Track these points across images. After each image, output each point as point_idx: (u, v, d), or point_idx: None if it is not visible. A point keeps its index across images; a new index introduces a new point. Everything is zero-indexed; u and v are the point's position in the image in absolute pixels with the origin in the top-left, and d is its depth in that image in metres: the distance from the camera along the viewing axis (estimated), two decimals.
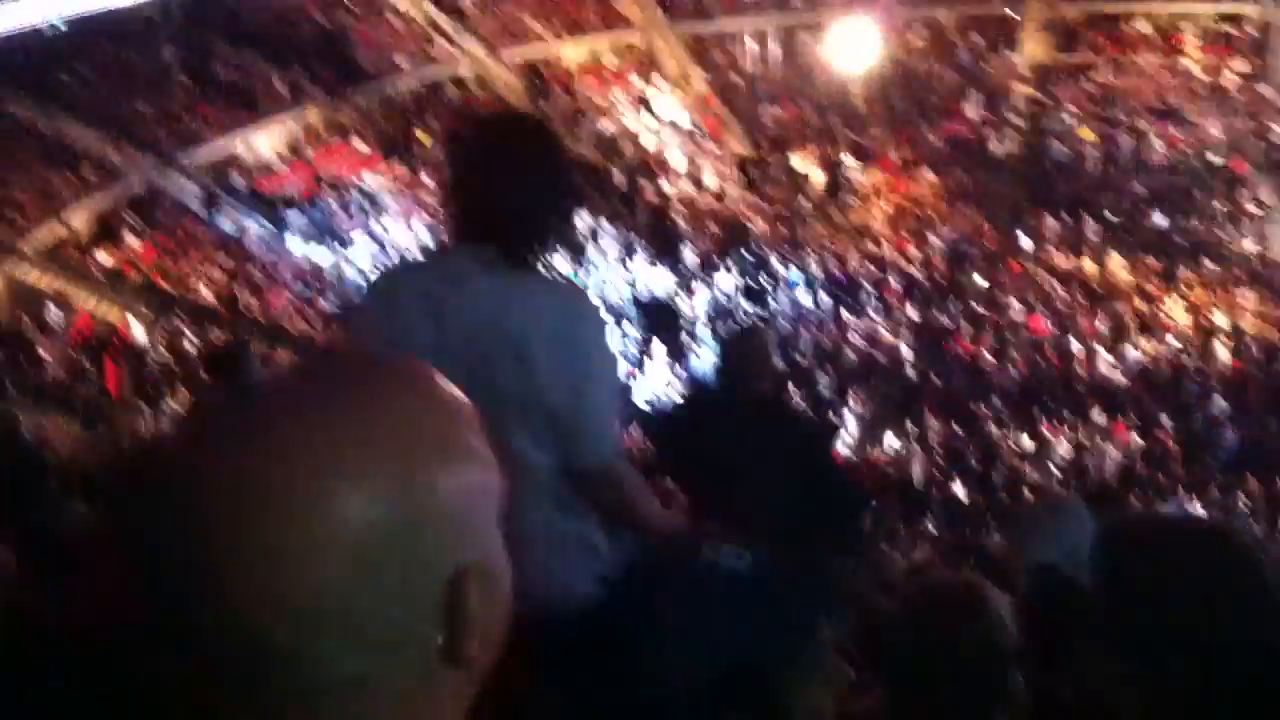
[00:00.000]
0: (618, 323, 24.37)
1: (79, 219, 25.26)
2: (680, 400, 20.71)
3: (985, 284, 26.38)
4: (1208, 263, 26.11)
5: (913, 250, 27.89)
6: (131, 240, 25.29)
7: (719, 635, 1.34)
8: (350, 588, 0.82)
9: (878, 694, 2.40)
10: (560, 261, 26.01)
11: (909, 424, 21.02)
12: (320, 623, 0.82)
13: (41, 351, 20.26)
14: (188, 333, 21.91)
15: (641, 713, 1.40)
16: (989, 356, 23.14)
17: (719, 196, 31.48)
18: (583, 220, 28.30)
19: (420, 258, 3.16)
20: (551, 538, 2.62)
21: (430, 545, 0.86)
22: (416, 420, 0.88)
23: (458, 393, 0.94)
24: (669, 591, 1.40)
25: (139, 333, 21.78)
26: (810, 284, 26.70)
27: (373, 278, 3.17)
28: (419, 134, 32.54)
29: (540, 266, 2.80)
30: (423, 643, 0.88)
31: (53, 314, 21.63)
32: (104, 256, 24.53)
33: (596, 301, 2.77)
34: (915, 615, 2.35)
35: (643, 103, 34.58)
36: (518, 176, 2.79)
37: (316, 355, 0.92)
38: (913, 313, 25.22)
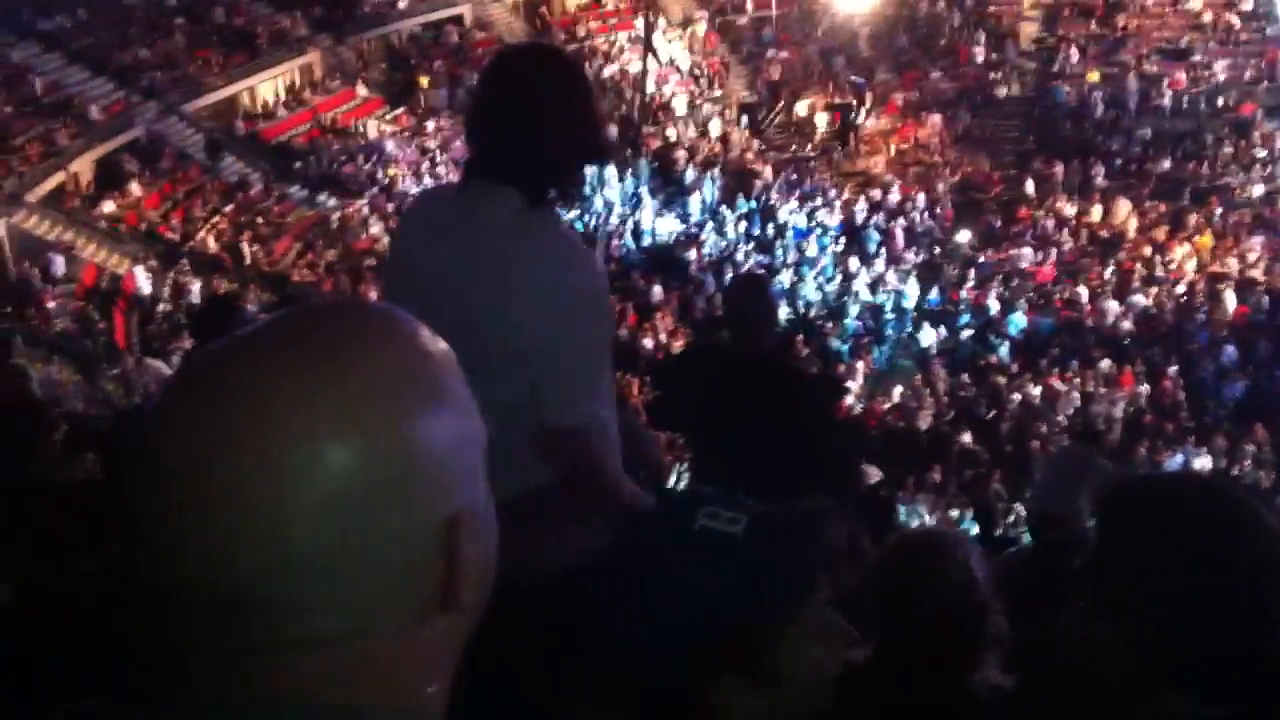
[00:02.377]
0: (625, 271, 24.32)
1: (81, 167, 25.10)
2: (684, 350, 20.80)
3: (991, 230, 26.38)
4: (1215, 208, 26.01)
5: (920, 196, 27.76)
6: (135, 189, 25.14)
7: (712, 598, 1.36)
8: (341, 537, 0.83)
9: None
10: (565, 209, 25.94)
11: (916, 373, 21.07)
12: (313, 573, 0.82)
13: (49, 302, 20.21)
14: (193, 282, 21.88)
15: (636, 677, 1.43)
16: (996, 304, 23.12)
17: (724, 142, 31.28)
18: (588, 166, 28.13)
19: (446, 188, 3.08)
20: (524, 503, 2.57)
21: (421, 492, 0.87)
22: (399, 368, 0.88)
23: (440, 340, 0.94)
24: (660, 556, 1.43)
25: (144, 282, 21.70)
26: (816, 231, 26.60)
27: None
28: (421, 78, 32.29)
29: (552, 209, 2.70)
30: (415, 591, 0.88)
31: (59, 264, 21.53)
32: (107, 205, 24.39)
33: (599, 252, 2.70)
34: (882, 572, 2.41)
35: (645, 45, 34.28)
36: (544, 111, 2.67)
37: (299, 304, 0.92)
38: (919, 259, 25.18)
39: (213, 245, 24.19)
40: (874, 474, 16.83)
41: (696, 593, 1.37)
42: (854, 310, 23.26)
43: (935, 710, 2.27)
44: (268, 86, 30.72)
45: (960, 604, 2.31)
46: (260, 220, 25.70)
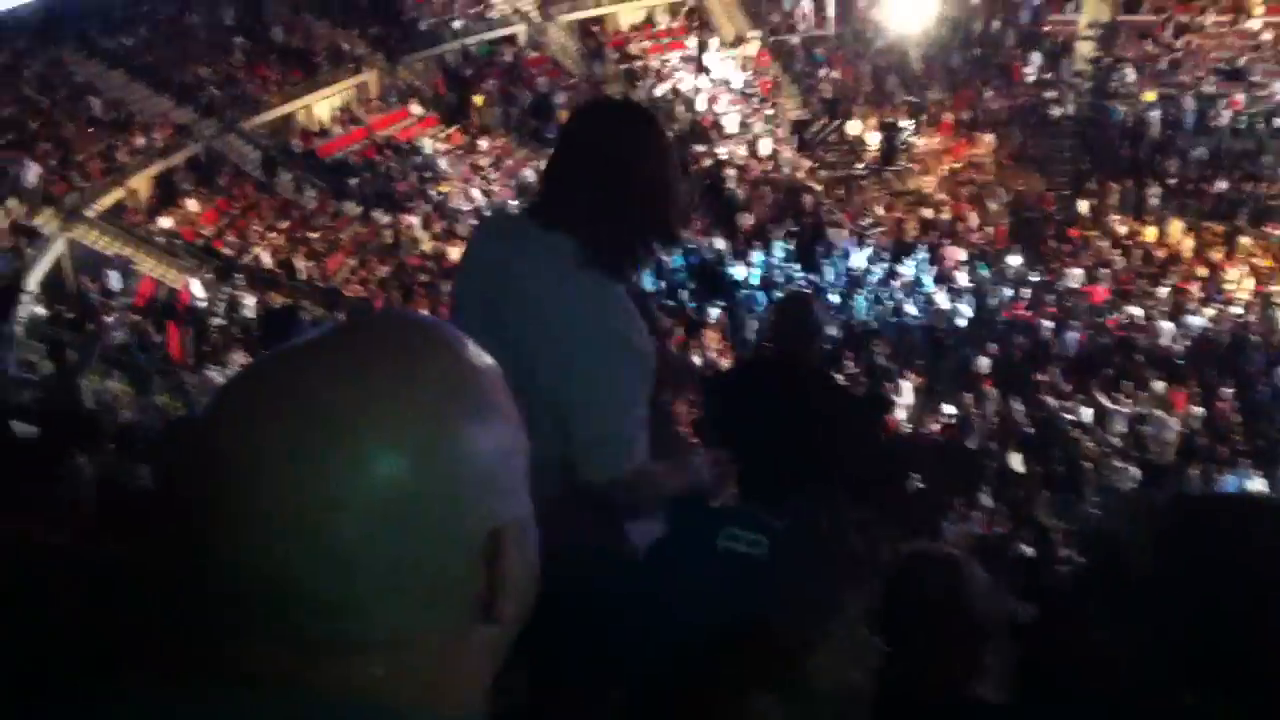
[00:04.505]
0: (672, 291, 24.32)
1: (141, 183, 25.51)
2: (731, 368, 20.68)
3: (1044, 250, 26.15)
4: (1271, 229, 25.66)
5: (971, 216, 27.58)
6: (192, 204, 25.51)
7: (736, 621, 1.36)
8: (389, 543, 0.85)
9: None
10: None
11: (966, 393, 20.88)
12: (360, 577, 0.85)
13: (105, 316, 20.50)
14: (247, 297, 22.16)
15: (660, 701, 1.44)
16: (1048, 324, 22.88)
17: (774, 160, 31.27)
18: None
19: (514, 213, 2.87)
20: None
21: (466, 503, 0.89)
22: (448, 379, 0.91)
23: (486, 354, 0.97)
24: (682, 581, 1.43)
25: (199, 296, 22.00)
26: (867, 250, 26.48)
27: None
28: (475, 97, 32.53)
29: (614, 275, 2.60)
30: (460, 599, 0.90)
31: (114, 279, 21.86)
32: (165, 221, 24.75)
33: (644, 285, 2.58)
34: (893, 587, 2.40)
35: (697, 64, 34.38)
36: (629, 178, 2.61)
37: (351, 315, 0.94)
38: (970, 280, 25.01)
39: (267, 260, 24.46)
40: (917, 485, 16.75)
41: (720, 615, 1.37)
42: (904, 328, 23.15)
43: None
44: (324, 104, 31.06)
45: (971, 622, 2.31)
46: (314, 236, 25.95)
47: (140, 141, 26.02)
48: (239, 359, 18.93)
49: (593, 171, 2.61)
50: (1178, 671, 1.62)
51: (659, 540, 1.64)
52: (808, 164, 31.25)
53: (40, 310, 20.10)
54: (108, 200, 24.32)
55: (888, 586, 2.44)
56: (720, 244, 26.33)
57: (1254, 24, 31.37)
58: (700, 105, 32.66)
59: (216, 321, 21.42)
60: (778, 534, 1.47)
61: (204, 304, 21.91)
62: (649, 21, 36.71)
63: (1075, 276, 24.64)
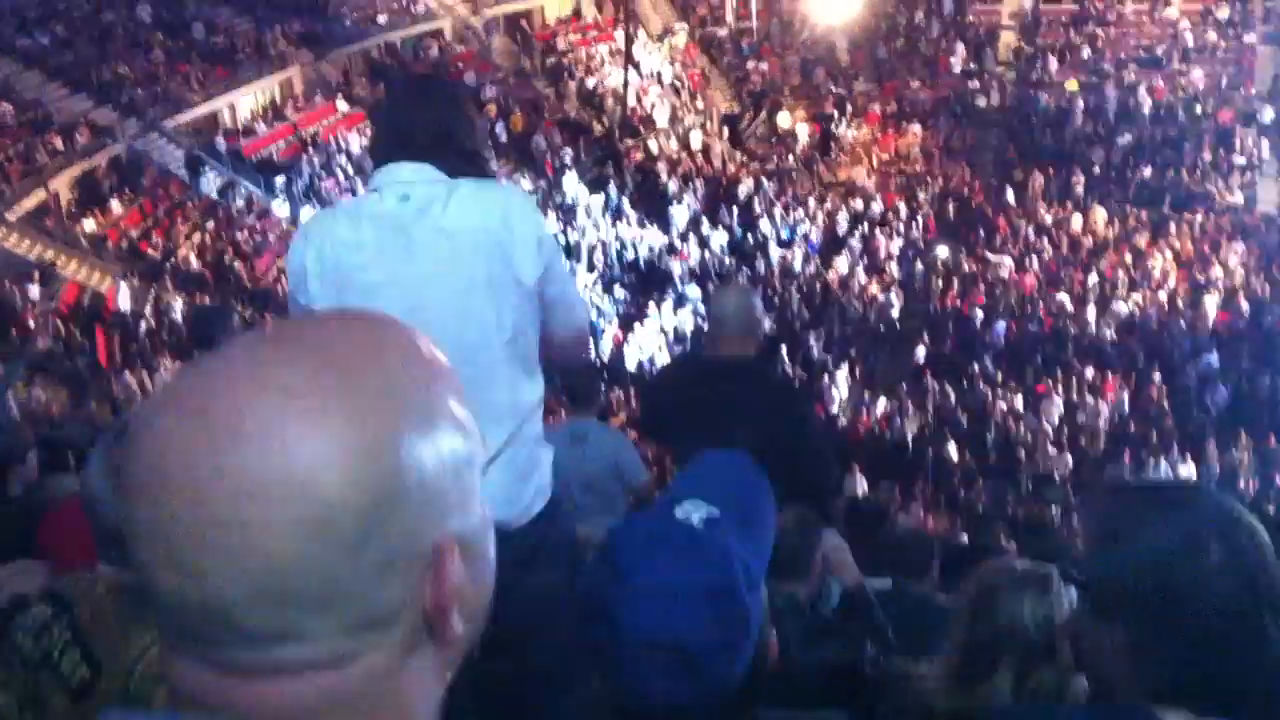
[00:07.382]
0: (608, 285, 24.33)
1: (62, 185, 24.98)
2: (667, 361, 20.76)
3: (972, 239, 26.45)
4: (1196, 215, 26.15)
5: (901, 205, 27.84)
6: (115, 206, 25.04)
7: (685, 589, 1.39)
8: (328, 564, 0.80)
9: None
10: (551, 221, 26.07)
11: (901, 383, 21.09)
12: (299, 600, 0.80)
13: (30, 321, 20.05)
14: (175, 299, 21.82)
15: (611, 665, 1.45)
16: (979, 313, 23.16)
17: (705, 154, 31.36)
18: (570, 182, 28.25)
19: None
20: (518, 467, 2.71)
21: (412, 518, 0.83)
22: (395, 386, 0.84)
23: (439, 354, 0.91)
24: (635, 550, 1.45)
25: (126, 300, 21.60)
26: (799, 242, 26.64)
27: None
28: None
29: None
30: (405, 619, 0.85)
31: (40, 283, 21.37)
32: (89, 224, 24.28)
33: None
34: (984, 599, 2.43)
35: (626, 57, 34.37)
36: (443, 109, 2.93)
37: (288, 317, 0.86)
38: (901, 270, 25.25)
39: (195, 262, 24.08)
40: (860, 484, 16.90)
41: (668, 582, 1.40)
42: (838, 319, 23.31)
43: None
44: (248, 102, 30.64)
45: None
46: (242, 236, 25.60)
47: (59, 143, 25.48)
48: (168, 364, 18.64)
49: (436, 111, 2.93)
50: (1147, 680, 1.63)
51: (617, 526, 1.65)
52: (739, 157, 31.36)
53: None
54: (28, 203, 23.79)
55: (970, 606, 2.47)
56: (655, 238, 26.37)
57: (1172, 13, 32.00)
58: (630, 99, 32.63)
59: (144, 326, 21.06)
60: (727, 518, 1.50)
61: (130, 308, 21.51)
62: (576, 15, 36.62)
63: (1004, 266, 24.94)
